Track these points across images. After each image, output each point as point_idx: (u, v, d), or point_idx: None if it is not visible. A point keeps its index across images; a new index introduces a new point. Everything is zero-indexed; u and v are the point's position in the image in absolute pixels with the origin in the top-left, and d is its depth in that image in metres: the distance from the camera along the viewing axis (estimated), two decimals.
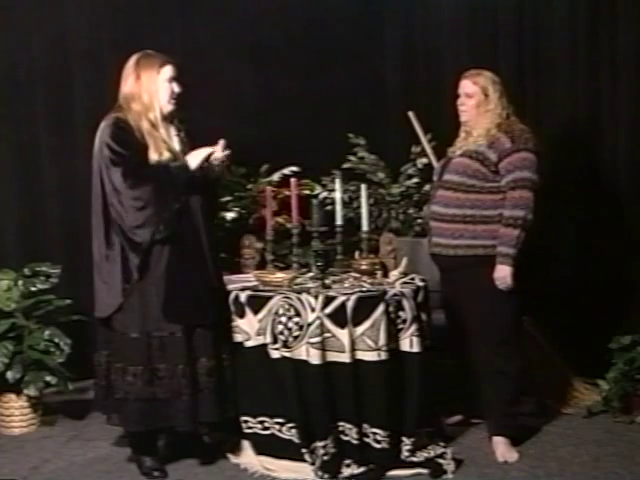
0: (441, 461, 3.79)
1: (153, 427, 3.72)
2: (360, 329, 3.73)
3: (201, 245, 3.74)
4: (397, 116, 5.28)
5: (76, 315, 4.55)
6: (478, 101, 3.99)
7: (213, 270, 3.77)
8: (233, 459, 3.92)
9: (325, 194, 4.91)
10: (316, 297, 3.75)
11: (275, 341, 3.77)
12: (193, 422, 3.70)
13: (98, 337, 3.78)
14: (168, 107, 3.73)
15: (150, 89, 3.69)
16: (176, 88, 3.73)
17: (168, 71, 3.72)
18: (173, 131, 3.79)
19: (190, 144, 3.81)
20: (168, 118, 3.76)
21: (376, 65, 5.87)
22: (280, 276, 4.00)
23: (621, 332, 4.44)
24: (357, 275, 4.07)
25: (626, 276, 4.76)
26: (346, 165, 5.26)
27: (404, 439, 3.80)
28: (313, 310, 3.73)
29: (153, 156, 3.64)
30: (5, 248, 5.04)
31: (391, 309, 3.78)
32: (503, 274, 3.85)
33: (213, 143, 4.93)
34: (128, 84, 3.71)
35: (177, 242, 3.66)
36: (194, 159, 3.67)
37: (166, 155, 3.65)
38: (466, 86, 4.03)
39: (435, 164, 4.52)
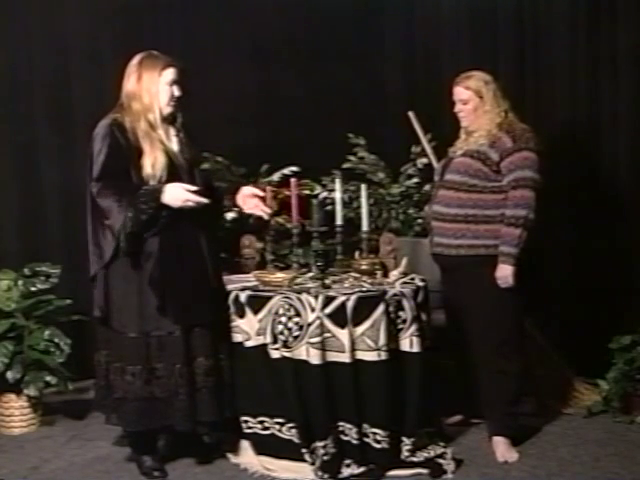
0: (441, 461, 3.79)
1: (151, 426, 3.72)
2: (360, 329, 3.73)
3: (200, 245, 3.74)
4: (397, 116, 5.28)
5: (76, 315, 4.55)
6: (474, 105, 4.00)
7: (212, 270, 3.77)
8: (233, 459, 3.92)
9: (325, 194, 4.90)
10: (316, 297, 3.75)
11: (275, 341, 3.76)
12: (191, 421, 3.69)
13: (98, 337, 3.78)
14: (167, 109, 3.73)
15: (151, 90, 3.69)
16: (176, 92, 3.73)
17: (170, 74, 3.72)
18: (172, 131, 3.78)
19: (189, 144, 3.81)
20: (168, 119, 3.76)
21: (376, 65, 5.87)
22: (280, 276, 4.00)
23: (621, 332, 4.44)
24: (357, 275, 4.07)
25: (626, 276, 4.76)
26: (346, 165, 5.25)
27: (404, 439, 3.80)
28: (313, 310, 3.72)
29: (147, 160, 3.63)
30: (5, 248, 5.04)
31: (391, 309, 3.78)
32: (505, 273, 3.85)
33: (213, 143, 4.97)
34: (130, 83, 3.72)
35: (176, 243, 3.66)
36: (171, 196, 3.57)
37: (160, 157, 3.64)
38: (459, 93, 4.03)
39: (435, 164, 4.52)
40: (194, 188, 3.62)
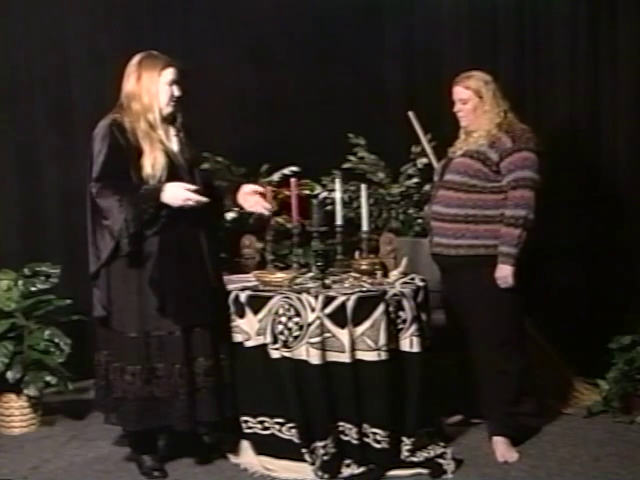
0: (441, 461, 3.79)
1: (151, 426, 3.72)
2: (360, 329, 3.73)
3: (200, 245, 3.73)
4: (397, 116, 5.28)
5: (76, 315, 4.55)
6: (474, 105, 4.00)
7: (212, 270, 3.77)
8: (233, 459, 3.92)
9: (325, 194, 4.91)
10: (316, 297, 3.75)
11: (275, 341, 3.76)
12: (190, 422, 3.69)
13: (98, 337, 3.78)
14: (167, 109, 3.73)
15: (150, 90, 3.69)
16: (176, 91, 3.73)
17: (169, 74, 3.71)
18: (172, 131, 3.78)
19: (189, 144, 3.81)
20: (168, 119, 3.76)
21: (376, 65, 5.87)
22: (280, 276, 4.00)
23: (621, 332, 4.44)
24: (357, 275, 4.07)
25: (626, 276, 4.76)
26: (346, 165, 5.25)
27: (404, 439, 3.80)
28: (313, 310, 3.72)
29: (147, 160, 3.63)
30: (5, 248, 5.04)
31: (391, 309, 3.78)
32: (505, 273, 3.85)
33: (213, 143, 4.96)
34: (130, 83, 3.72)
35: (176, 242, 3.66)
36: (171, 195, 3.57)
37: (160, 157, 3.64)
38: (459, 92, 4.03)
39: (435, 164, 4.52)
40: (194, 187, 3.62)
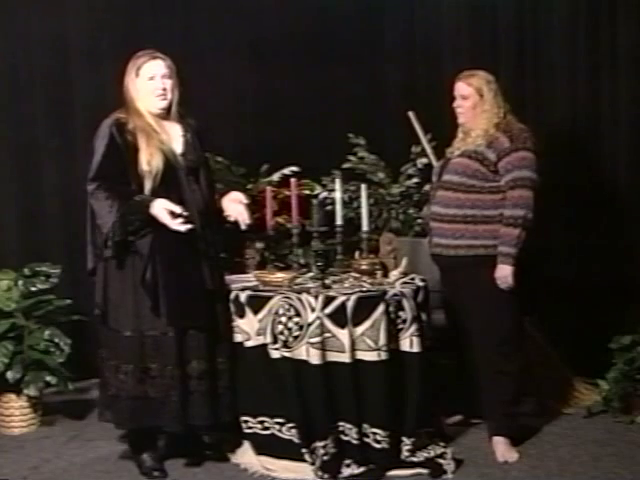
0: (441, 461, 3.79)
1: (142, 425, 3.72)
2: (360, 329, 3.73)
3: (197, 247, 3.71)
4: (397, 116, 5.28)
5: (76, 315, 4.55)
6: (474, 102, 4.00)
7: (209, 272, 3.74)
8: (233, 459, 3.92)
9: (325, 194, 4.90)
10: (316, 297, 3.75)
11: (275, 341, 3.77)
12: (181, 424, 3.69)
13: (99, 335, 3.79)
14: (158, 104, 3.72)
15: (137, 93, 3.70)
16: (160, 84, 3.70)
17: (148, 70, 3.70)
18: (179, 131, 3.77)
19: (196, 146, 3.80)
20: (169, 116, 3.75)
21: (376, 65, 5.87)
22: (280, 276, 4.00)
23: (621, 332, 4.44)
24: (357, 275, 4.07)
25: (626, 276, 4.75)
26: (346, 165, 5.25)
27: (404, 439, 3.80)
28: (313, 310, 3.73)
29: (143, 156, 3.62)
30: (5, 248, 5.04)
31: (391, 309, 3.78)
32: (504, 273, 3.85)
33: (213, 143, 4.95)
34: (124, 87, 3.74)
35: (171, 243, 3.63)
36: (159, 210, 3.57)
37: (157, 155, 3.63)
38: (461, 88, 4.03)
39: (435, 164, 4.52)
40: (179, 211, 3.57)
